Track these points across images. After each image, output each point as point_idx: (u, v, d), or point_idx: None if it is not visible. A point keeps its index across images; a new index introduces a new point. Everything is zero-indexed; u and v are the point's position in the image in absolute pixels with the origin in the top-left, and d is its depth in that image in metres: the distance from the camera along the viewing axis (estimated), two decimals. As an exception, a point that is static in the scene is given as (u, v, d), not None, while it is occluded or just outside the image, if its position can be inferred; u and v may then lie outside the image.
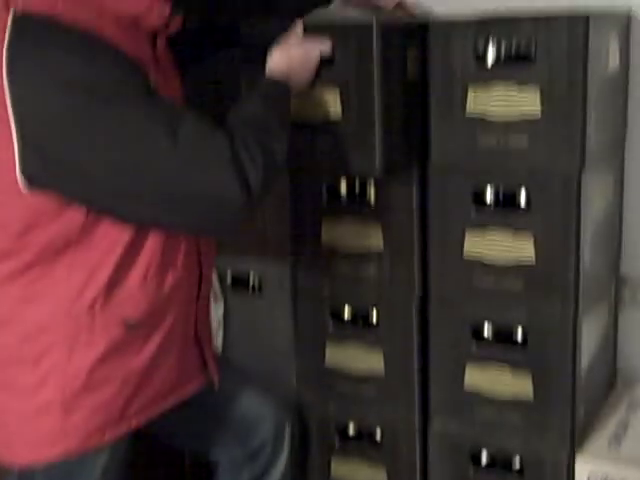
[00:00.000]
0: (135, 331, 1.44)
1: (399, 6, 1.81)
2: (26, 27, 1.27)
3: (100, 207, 1.33)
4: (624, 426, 1.72)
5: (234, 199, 1.30)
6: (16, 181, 1.28)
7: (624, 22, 1.75)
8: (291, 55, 1.51)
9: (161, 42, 1.47)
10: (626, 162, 1.85)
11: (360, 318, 1.75)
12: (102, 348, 1.41)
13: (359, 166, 1.55)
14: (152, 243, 1.41)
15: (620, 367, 1.94)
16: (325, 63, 1.53)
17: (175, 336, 1.53)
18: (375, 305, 1.72)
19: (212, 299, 1.93)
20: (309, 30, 1.53)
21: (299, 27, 1.54)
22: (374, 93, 1.51)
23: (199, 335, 1.60)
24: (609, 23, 1.63)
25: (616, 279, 1.88)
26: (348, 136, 1.55)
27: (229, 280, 1.92)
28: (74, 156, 1.27)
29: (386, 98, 1.52)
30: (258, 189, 1.31)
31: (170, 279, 1.47)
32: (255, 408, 1.71)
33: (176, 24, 1.45)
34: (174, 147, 1.27)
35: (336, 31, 1.53)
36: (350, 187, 1.71)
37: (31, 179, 1.27)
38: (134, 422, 1.48)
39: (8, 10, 1.28)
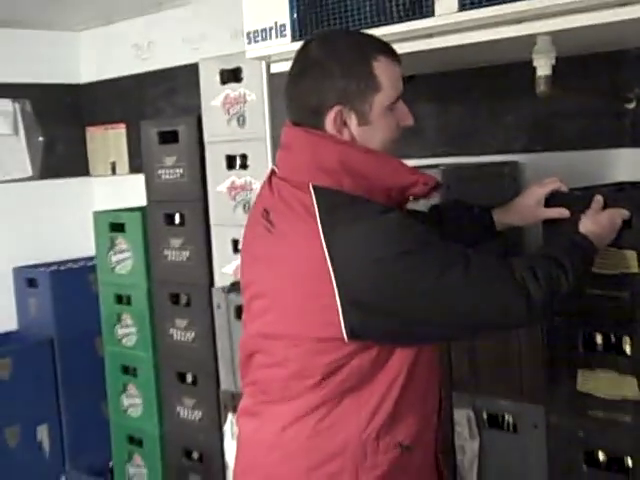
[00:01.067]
0: (408, 452, 1.62)
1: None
2: (328, 199, 1.54)
3: (402, 340, 1.57)
4: None
5: (520, 316, 1.54)
6: (330, 336, 1.52)
7: None
8: (599, 221, 1.75)
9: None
10: None
11: (614, 464, 1.85)
12: (384, 470, 1.59)
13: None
14: (421, 368, 1.62)
15: None
16: (624, 226, 1.78)
17: (429, 455, 1.70)
18: (631, 452, 1.82)
19: (468, 436, 2.11)
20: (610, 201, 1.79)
21: (600, 200, 1.78)
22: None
23: (439, 457, 1.75)
24: None
25: None
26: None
27: (485, 419, 2.09)
28: (389, 303, 1.50)
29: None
30: (540, 305, 1.53)
31: (431, 399, 1.68)
32: None
33: (432, 191, 1.67)
34: (468, 281, 1.51)
35: (633, 198, 1.80)
36: (605, 337, 1.85)
37: (353, 330, 1.51)
38: None
39: (307, 189, 1.56)
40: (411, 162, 2.41)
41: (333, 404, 1.58)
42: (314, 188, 1.56)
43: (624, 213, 1.77)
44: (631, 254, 1.78)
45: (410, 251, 1.50)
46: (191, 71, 2.97)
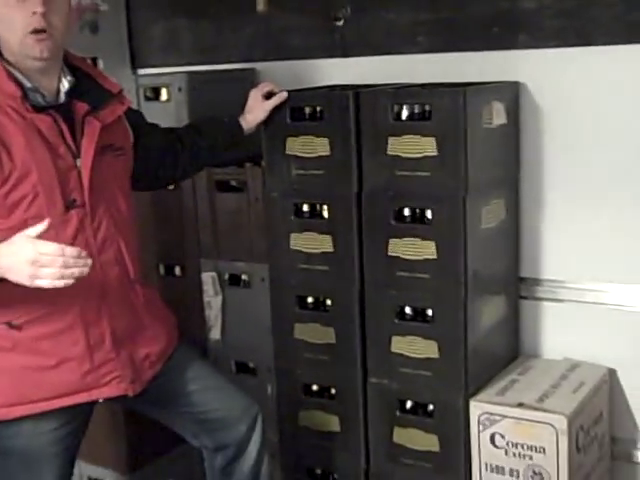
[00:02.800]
0: (22, 331, 1.72)
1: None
2: None
3: None
4: (512, 382, 2.34)
5: None
6: None
7: (513, 90, 2.39)
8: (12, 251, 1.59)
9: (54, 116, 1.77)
10: (521, 191, 2.48)
11: (318, 303, 2.40)
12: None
13: (342, 185, 2.26)
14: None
15: (522, 345, 2.56)
16: (318, 119, 2.24)
17: (78, 338, 1.76)
18: (328, 293, 2.37)
19: (213, 293, 2.60)
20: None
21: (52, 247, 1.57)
22: (351, 139, 2.22)
23: (118, 341, 1.83)
24: (493, 92, 2.28)
25: (517, 279, 2.51)
26: (333, 165, 2.26)
27: (227, 279, 2.59)
28: None
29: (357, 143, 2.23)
30: None
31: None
32: (225, 411, 2.06)
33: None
34: None
35: (324, 97, 2.27)
36: (311, 207, 2.36)
37: None
38: (38, 408, 1.77)
39: None
40: (167, 69, 2.84)
41: None
42: None
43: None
44: (323, 141, 2.28)
45: None
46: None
